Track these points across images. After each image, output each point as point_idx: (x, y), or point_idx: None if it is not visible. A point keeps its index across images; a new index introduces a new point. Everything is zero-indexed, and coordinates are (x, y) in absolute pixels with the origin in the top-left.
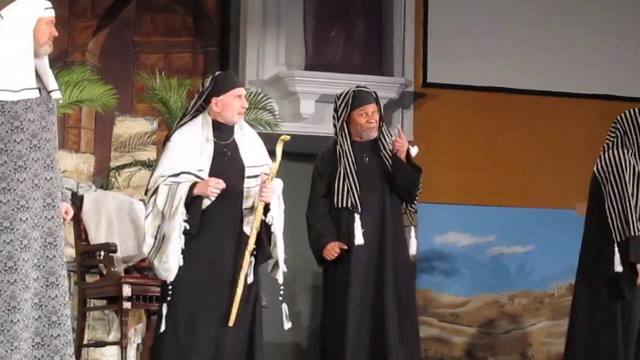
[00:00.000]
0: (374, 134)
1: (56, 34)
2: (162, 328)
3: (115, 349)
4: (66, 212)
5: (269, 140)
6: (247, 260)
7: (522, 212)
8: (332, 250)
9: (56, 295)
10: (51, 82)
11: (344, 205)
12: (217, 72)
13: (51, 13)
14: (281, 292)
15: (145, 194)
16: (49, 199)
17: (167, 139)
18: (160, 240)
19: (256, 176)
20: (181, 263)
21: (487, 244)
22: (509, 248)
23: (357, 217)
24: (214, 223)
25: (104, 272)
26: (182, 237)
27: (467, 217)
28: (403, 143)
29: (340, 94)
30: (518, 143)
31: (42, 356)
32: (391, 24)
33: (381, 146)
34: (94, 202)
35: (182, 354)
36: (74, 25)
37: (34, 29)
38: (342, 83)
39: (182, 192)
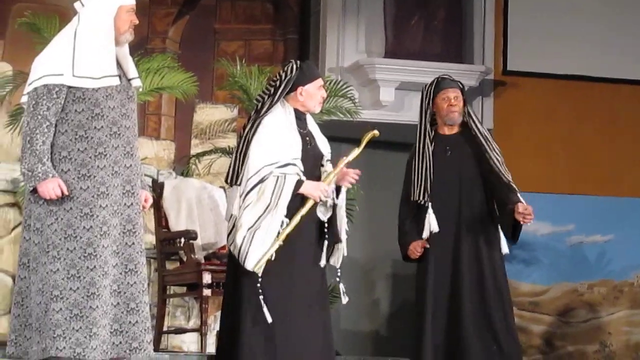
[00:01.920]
0: (457, 118)
1: (137, 21)
2: (269, 318)
3: (195, 336)
4: (145, 200)
5: (349, 128)
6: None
7: (602, 201)
8: (415, 250)
9: (135, 282)
10: (131, 69)
11: (417, 197)
12: (300, 61)
13: (132, 1)
14: (338, 273)
15: (229, 182)
16: (129, 186)
17: (255, 125)
18: (255, 232)
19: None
20: (273, 257)
21: (566, 233)
22: (588, 237)
23: (429, 208)
24: (293, 211)
25: (184, 259)
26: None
27: (546, 205)
28: (528, 215)
29: (425, 84)
30: (598, 131)
31: (120, 342)
32: (471, 12)
33: (474, 131)
34: (174, 189)
35: (275, 344)
36: (155, 12)
37: (115, 17)
38: (422, 71)
39: (289, 188)
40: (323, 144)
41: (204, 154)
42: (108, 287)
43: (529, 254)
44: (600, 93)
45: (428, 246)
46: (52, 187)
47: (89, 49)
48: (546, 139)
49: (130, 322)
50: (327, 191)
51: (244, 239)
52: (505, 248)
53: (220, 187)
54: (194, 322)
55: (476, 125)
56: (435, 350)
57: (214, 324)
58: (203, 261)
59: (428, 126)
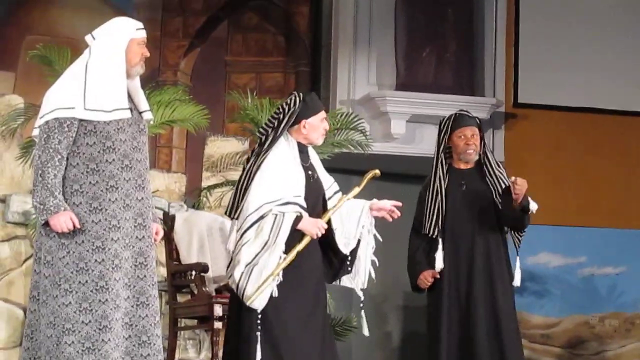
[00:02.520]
0: (473, 157)
1: (148, 54)
2: (259, 356)
3: None
4: (156, 233)
5: (360, 161)
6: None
7: (614, 233)
8: (425, 279)
9: (146, 315)
10: (142, 102)
11: (427, 231)
12: (303, 93)
13: (143, 34)
14: (362, 298)
15: (229, 215)
16: (140, 219)
17: (258, 160)
18: (252, 268)
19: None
20: (276, 293)
21: (578, 265)
22: (600, 269)
23: (439, 242)
24: (291, 246)
25: (195, 291)
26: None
27: (558, 237)
28: (523, 188)
29: (441, 119)
30: (609, 163)
31: None
32: (482, 45)
33: (486, 172)
34: (186, 221)
35: None
36: (166, 44)
37: (126, 50)
38: (433, 103)
39: (287, 226)
40: (324, 177)
41: (215, 186)
42: (120, 320)
43: (541, 286)
44: (611, 125)
45: (438, 276)
46: (63, 221)
47: (101, 82)
48: (557, 171)
49: (142, 354)
50: (324, 228)
51: (241, 274)
52: (517, 281)
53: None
54: (204, 355)
55: (491, 167)
56: None
57: None
58: (214, 294)
59: (443, 160)
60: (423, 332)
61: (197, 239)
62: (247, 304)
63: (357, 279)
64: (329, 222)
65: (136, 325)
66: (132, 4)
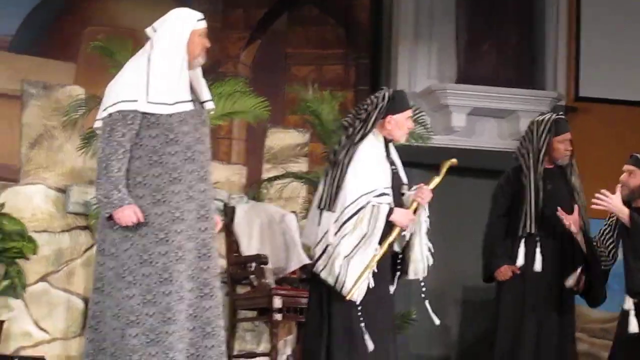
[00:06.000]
0: (566, 162)
1: (208, 45)
2: (371, 346)
3: None
4: (215, 224)
5: (421, 154)
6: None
7: None
8: (505, 273)
9: (210, 307)
10: (204, 92)
11: (529, 229)
12: (392, 89)
13: (203, 25)
14: (423, 289)
15: (323, 208)
16: (203, 211)
17: (349, 152)
18: (350, 260)
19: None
20: (372, 285)
21: None
22: None
23: (538, 243)
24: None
25: (255, 283)
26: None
27: None
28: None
29: (538, 120)
30: None
31: None
32: (543, 38)
33: (568, 172)
34: (246, 213)
35: None
36: (227, 36)
37: (188, 41)
38: (493, 96)
39: (383, 217)
40: (402, 172)
41: (275, 178)
42: (184, 312)
43: None
44: None
45: (518, 272)
46: (127, 214)
47: (163, 74)
48: (619, 165)
49: (206, 346)
50: (414, 220)
51: (341, 267)
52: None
53: (292, 211)
54: (264, 347)
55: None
56: None
57: (284, 349)
58: (274, 285)
59: (542, 160)
60: (483, 326)
61: (258, 230)
62: (348, 297)
63: (416, 266)
64: None
65: (200, 317)
66: None
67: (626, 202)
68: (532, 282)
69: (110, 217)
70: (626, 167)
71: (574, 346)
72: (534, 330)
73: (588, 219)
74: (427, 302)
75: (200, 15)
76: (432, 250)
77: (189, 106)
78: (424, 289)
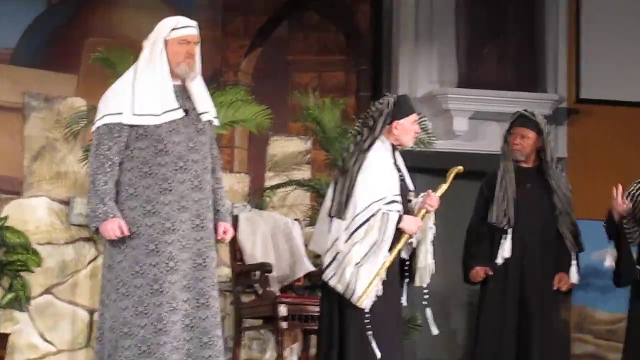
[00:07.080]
0: (519, 157)
1: (193, 52)
2: (378, 354)
3: None
4: (225, 232)
5: (422, 159)
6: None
7: None
8: (477, 275)
9: (207, 317)
10: (202, 104)
11: (498, 221)
12: (396, 95)
13: (180, 33)
14: (426, 297)
15: (334, 215)
16: (198, 220)
17: (359, 160)
18: (360, 268)
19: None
20: (380, 292)
21: None
22: None
23: (509, 232)
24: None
25: (260, 291)
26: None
27: None
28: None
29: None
30: None
31: None
32: (544, 41)
33: (546, 173)
34: (249, 222)
35: None
36: (227, 45)
37: (167, 51)
38: (495, 100)
39: (393, 224)
40: (409, 178)
41: (278, 186)
42: (179, 323)
43: (605, 281)
44: None
45: (491, 273)
46: (110, 228)
47: (147, 86)
48: (621, 167)
49: (203, 356)
50: (422, 227)
51: (352, 275)
52: (574, 278)
53: (295, 219)
54: (269, 355)
55: (548, 174)
56: None
57: (290, 356)
58: (278, 293)
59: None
60: None
61: (261, 239)
62: (357, 304)
63: (422, 273)
64: None
65: (197, 327)
66: (193, 4)
67: None
68: (514, 279)
69: (97, 231)
70: None
71: (562, 340)
72: (516, 332)
73: (575, 218)
74: (428, 310)
75: (177, 23)
76: (434, 260)
77: (179, 114)
78: (426, 297)
